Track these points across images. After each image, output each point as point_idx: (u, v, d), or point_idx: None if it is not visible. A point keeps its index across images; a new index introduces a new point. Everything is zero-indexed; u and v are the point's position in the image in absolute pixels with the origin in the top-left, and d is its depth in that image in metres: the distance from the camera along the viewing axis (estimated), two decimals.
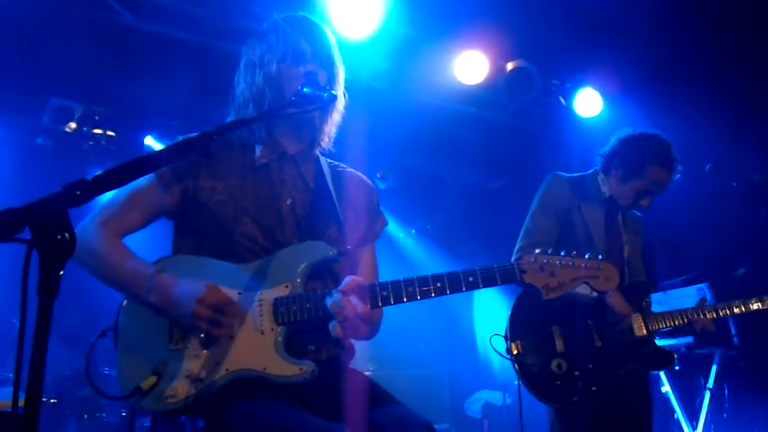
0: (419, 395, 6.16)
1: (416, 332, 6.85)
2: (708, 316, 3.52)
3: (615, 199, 3.60)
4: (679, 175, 3.55)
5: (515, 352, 3.36)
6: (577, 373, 3.28)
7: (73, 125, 6.27)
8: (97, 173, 1.49)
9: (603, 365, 3.31)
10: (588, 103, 6.09)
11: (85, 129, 6.38)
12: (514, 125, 6.40)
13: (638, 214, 3.80)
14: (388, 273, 2.26)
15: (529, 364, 3.32)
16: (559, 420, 3.42)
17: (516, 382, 5.37)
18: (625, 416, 3.39)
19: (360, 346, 2.41)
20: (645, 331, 3.40)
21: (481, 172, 7.25)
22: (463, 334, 7.21)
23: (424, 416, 2.03)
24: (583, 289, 3.32)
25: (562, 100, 6.19)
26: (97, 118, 6.40)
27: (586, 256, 2.15)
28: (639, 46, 5.34)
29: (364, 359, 5.56)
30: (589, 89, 6.09)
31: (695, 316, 3.49)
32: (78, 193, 1.41)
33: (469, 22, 5.39)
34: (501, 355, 3.41)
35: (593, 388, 3.27)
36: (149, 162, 1.60)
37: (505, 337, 3.43)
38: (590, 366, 3.30)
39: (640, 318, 3.42)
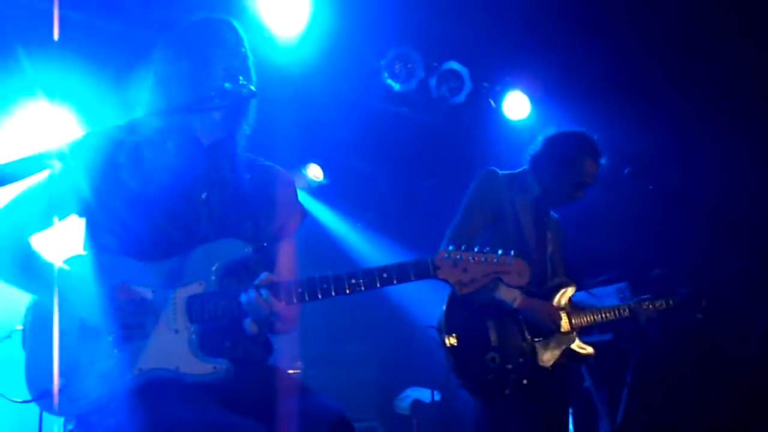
0: (348, 393, 6.17)
1: (345, 328, 6.85)
2: (623, 314, 3.69)
3: (543, 197, 3.69)
4: (601, 169, 3.69)
5: (450, 344, 3.39)
6: (509, 366, 3.36)
7: None
8: None
9: (533, 359, 3.41)
10: (516, 105, 6.22)
11: None
12: (444, 126, 6.48)
13: (555, 215, 3.92)
14: (316, 271, 2.25)
15: (464, 357, 3.37)
16: (486, 413, 3.49)
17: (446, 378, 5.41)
18: (546, 408, 3.50)
19: (289, 344, 2.40)
20: (569, 327, 3.52)
21: (412, 171, 7.31)
22: (396, 330, 7.23)
23: (336, 405, 2.06)
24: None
25: (492, 102, 6.30)
26: None
27: (499, 252, 2.19)
28: (564, 51, 5.49)
29: (292, 357, 5.53)
30: (518, 92, 6.22)
31: (616, 313, 3.71)
32: None
33: (400, 23, 5.44)
34: (440, 347, 3.43)
35: (524, 382, 3.36)
36: (50, 155, 1.55)
37: (439, 330, 3.46)
38: (521, 360, 3.39)
39: (564, 314, 3.54)
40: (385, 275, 2.12)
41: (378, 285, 2.11)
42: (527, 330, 3.46)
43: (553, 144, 3.70)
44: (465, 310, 3.46)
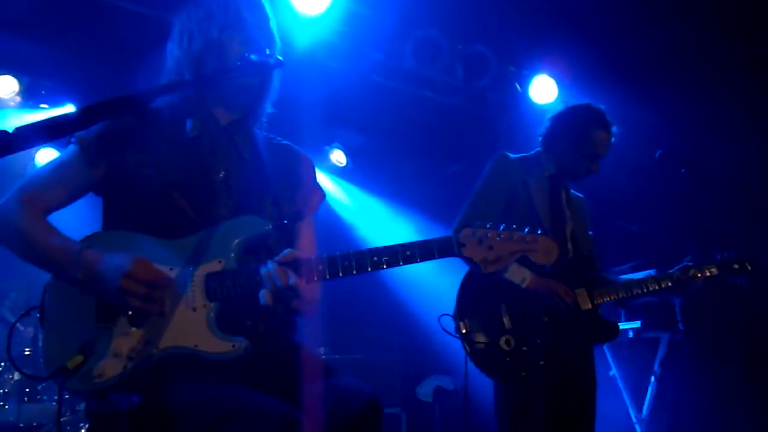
0: (370, 379, 6.14)
1: (368, 315, 6.82)
2: (650, 288, 3.57)
3: (559, 175, 3.66)
4: (615, 138, 3.62)
5: (464, 330, 3.38)
6: (525, 348, 3.31)
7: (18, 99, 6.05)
8: (19, 125, 1.39)
9: (550, 340, 3.35)
10: (543, 89, 6.12)
11: (31, 103, 6.17)
12: (469, 110, 6.39)
13: (580, 195, 3.87)
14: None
15: (477, 342, 3.34)
16: (506, 397, 3.43)
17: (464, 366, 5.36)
18: (570, 391, 3.43)
19: (311, 330, 2.36)
20: (590, 305, 3.44)
21: (437, 155, 7.24)
22: (416, 316, 7.20)
23: (368, 388, 2.02)
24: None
25: (518, 86, 6.19)
26: (43, 92, 6.19)
27: (525, 230, 2.13)
28: (592, 35, 5.38)
29: (314, 343, 5.51)
30: (545, 76, 6.11)
31: (651, 285, 3.55)
32: None
33: (426, 5, 5.35)
34: (450, 334, 3.42)
35: (541, 363, 3.31)
36: (77, 119, 1.50)
37: (454, 317, 3.45)
38: (538, 341, 3.34)
39: (584, 292, 3.46)
40: (408, 252, 2.07)
41: (401, 262, 2.06)
42: (544, 310, 3.38)
43: (560, 119, 3.69)
44: (477, 295, 3.43)
